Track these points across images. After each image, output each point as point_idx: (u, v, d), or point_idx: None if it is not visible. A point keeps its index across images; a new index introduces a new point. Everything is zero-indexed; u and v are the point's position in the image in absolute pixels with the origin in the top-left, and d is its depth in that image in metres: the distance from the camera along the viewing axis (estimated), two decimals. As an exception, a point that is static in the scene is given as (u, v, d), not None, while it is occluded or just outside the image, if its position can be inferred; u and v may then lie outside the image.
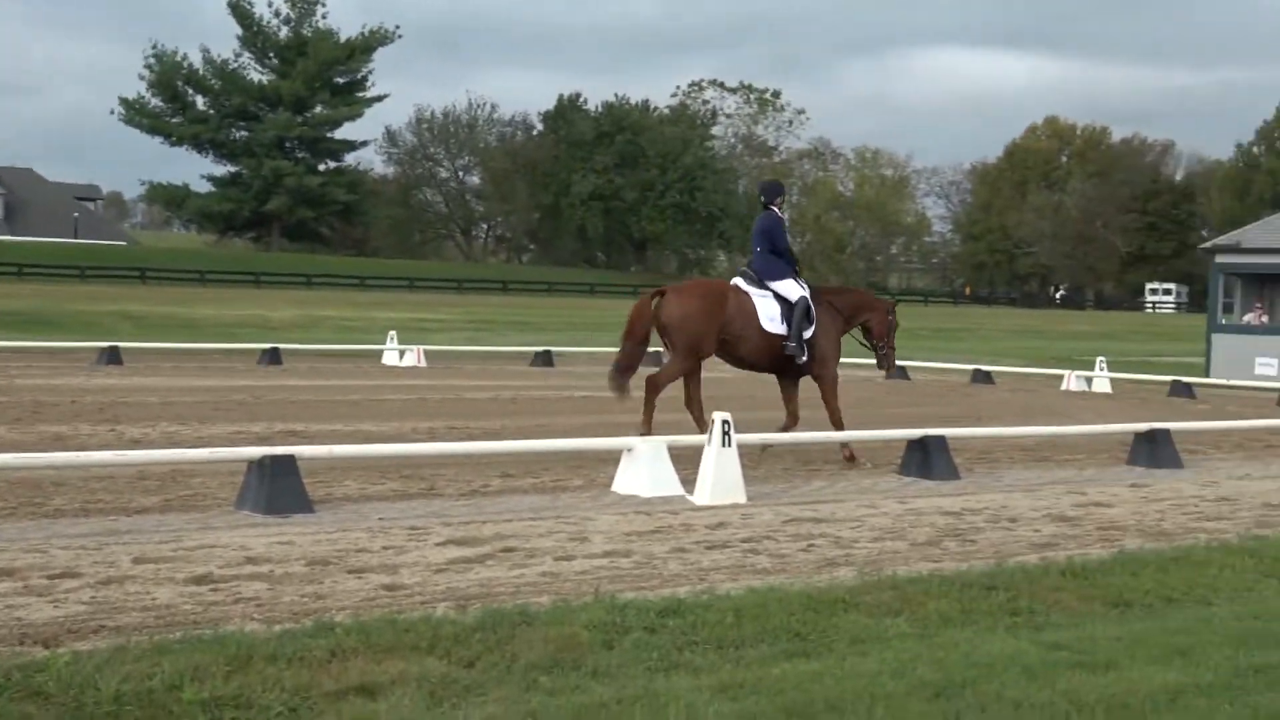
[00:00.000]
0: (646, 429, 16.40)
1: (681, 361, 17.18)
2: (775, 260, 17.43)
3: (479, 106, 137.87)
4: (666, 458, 13.59)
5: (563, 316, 69.48)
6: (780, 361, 17.38)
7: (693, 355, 17.17)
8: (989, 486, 14.95)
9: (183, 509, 11.92)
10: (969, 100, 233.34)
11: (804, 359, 17.19)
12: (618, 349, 17.65)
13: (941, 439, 15.62)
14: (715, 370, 33.85)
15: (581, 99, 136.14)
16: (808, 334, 17.20)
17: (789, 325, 17.12)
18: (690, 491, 13.33)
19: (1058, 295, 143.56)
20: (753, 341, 17.17)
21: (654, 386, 17.06)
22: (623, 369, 17.37)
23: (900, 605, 8.82)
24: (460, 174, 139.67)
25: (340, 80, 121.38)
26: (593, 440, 15.59)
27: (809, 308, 17.28)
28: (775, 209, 17.73)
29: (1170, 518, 13.16)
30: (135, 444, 16.05)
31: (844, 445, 16.97)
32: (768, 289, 17.26)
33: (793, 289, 17.31)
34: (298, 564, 9.65)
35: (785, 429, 17.20)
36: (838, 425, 17.17)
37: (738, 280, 17.50)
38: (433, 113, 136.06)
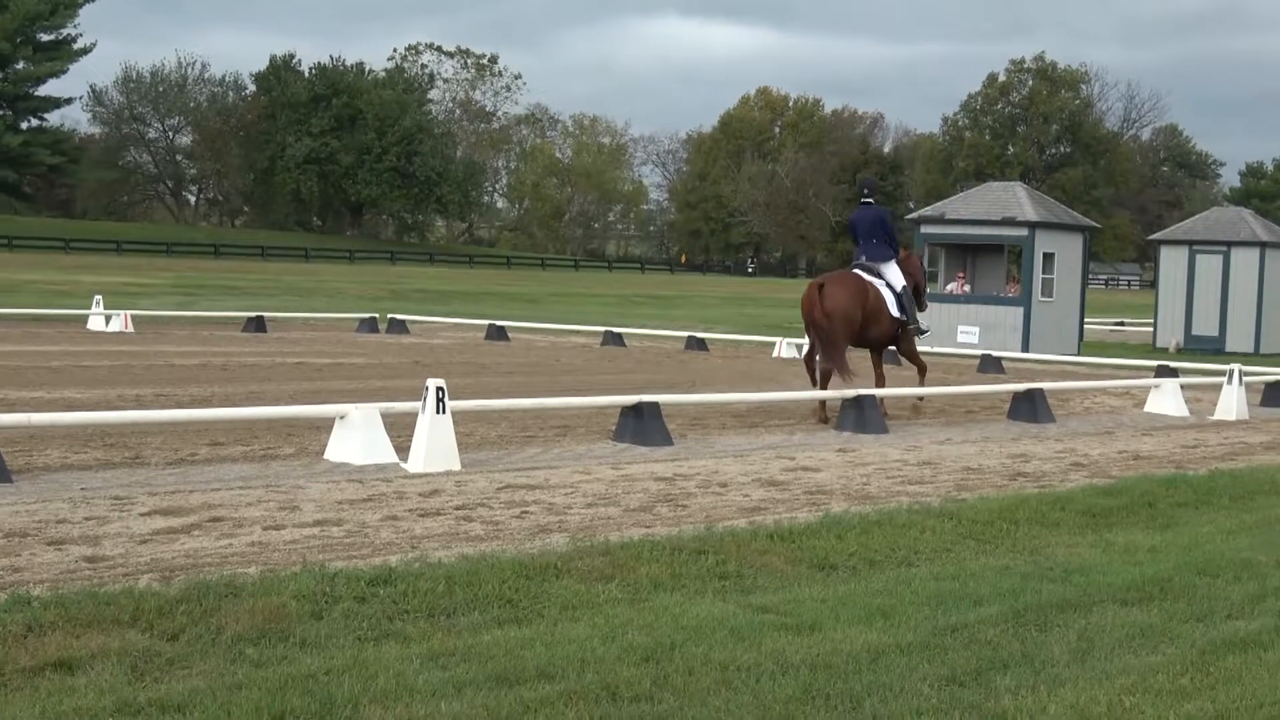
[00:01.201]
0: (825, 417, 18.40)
1: (843, 344, 19.09)
2: (884, 248, 19.66)
3: (189, 65, 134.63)
4: (380, 425, 13.46)
5: (277, 281, 68.35)
6: (891, 339, 19.96)
7: (849, 338, 19.22)
8: (701, 452, 15.14)
9: None
10: (685, 70, 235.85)
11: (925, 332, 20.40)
12: (806, 342, 20.25)
13: (655, 405, 15.76)
14: (431, 338, 33.65)
15: (295, 60, 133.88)
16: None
17: (903, 310, 19.62)
18: (404, 459, 13.23)
19: (750, 266, 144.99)
20: (883, 326, 19.55)
21: (826, 374, 19.11)
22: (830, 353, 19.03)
23: (612, 570, 8.88)
24: (170, 134, 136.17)
25: (44, 36, 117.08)
26: (304, 407, 15.37)
27: (909, 291, 19.85)
28: (874, 202, 20.11)
29: (875, 482, 13.49)
30: None
31: (920, 399, 20.06)
32: (881, 278, 19.57)
33: (896, 276, 19.68)
34: (-7, 536, 9.32)
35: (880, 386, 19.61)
36: (923, 378, 20.51)
37: (859, 272, 19.57)
38: (139, 71, 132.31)
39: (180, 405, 17.31)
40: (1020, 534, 10.84)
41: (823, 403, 18.56)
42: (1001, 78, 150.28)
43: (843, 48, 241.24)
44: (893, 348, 20.70)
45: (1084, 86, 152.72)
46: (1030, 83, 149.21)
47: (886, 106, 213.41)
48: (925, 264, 36.39)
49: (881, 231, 19.73)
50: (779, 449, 15.67)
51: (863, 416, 17.50)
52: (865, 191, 20.38)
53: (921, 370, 20.64)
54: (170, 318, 39.13)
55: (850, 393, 18.05)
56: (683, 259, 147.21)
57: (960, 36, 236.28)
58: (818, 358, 19.32)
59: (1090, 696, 6.75)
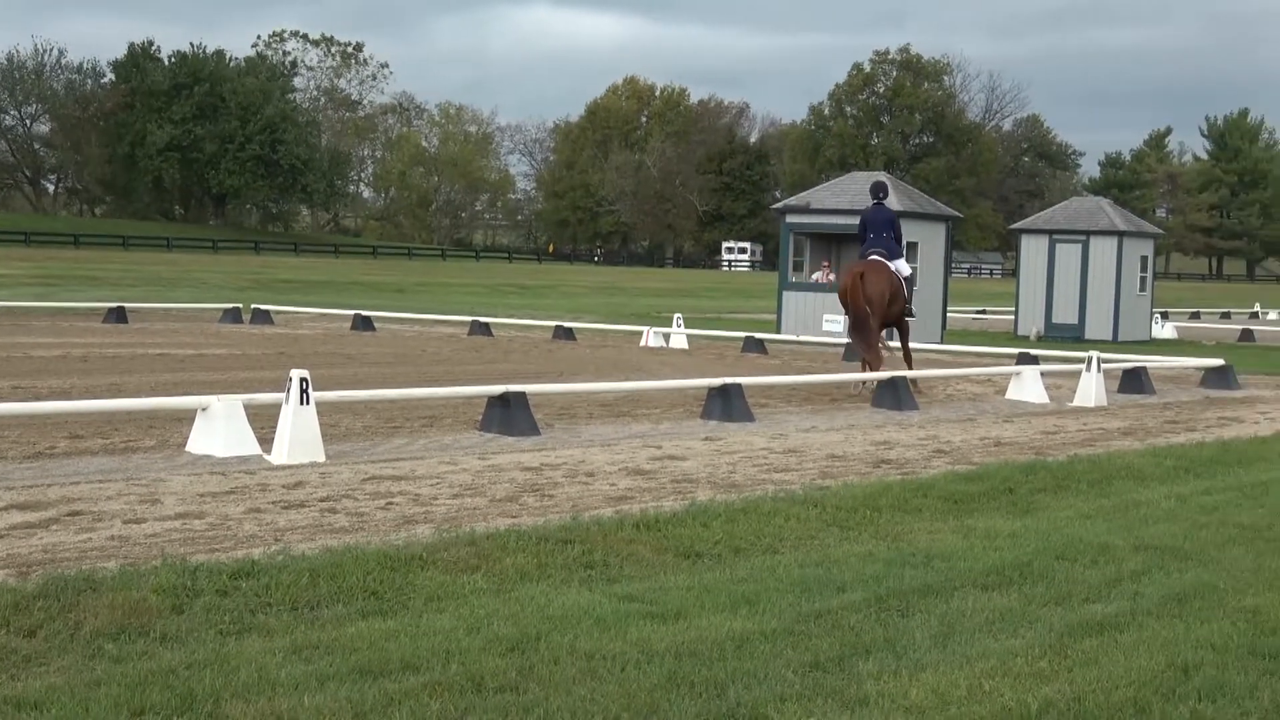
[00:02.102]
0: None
1: (879, 327, 22.10)
2: (893, 244, 22.48)
3: (45, 52, 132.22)
4: (243, 416, 13.31)
5: (139, 271, 67.37)
6: (896, 322, 22.84)
7: (882, 321, 22.18)
8: (568, 442, 15.14)
9: None
10: (556, 58, 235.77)
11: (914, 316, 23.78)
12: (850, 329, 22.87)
13: (522, 395, 15.74)
14: (296, 328, 33.33)
15: (155, 47, 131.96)
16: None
17: (908, 299, 22.71)
18: (268, 451, 13.10)
19: (597, 256, 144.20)
20: (897, 308, 22.33)
21: (872, 346, 21.90)
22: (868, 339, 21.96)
23: (478, 561, 8.86)
24: (28, 122, 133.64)
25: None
26: (166, 399, 15.17)
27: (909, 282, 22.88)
28: (886, 204, 23.17)
29: (741, 470, 13.56)
30: None
31: (914, 382, 21.36)
32: (893, 266, 22.39)
33: (904, 267, 22.81)
34: None
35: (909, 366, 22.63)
36: (910, 365, 22.79)
37: (881, 260, 22.21)
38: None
39: (38, 397, 17.00)
40: (883, 520, 10.94)
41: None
42: (866, 68, 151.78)
43: (715, 38, 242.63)
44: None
45: (947, 78, 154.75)
46: (894, 74, 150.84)
47: (757, 96, 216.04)
48: (791, 252, 36.69)
49: (891, 230, 22.59)
50: (646, 438, 15.71)
51: (729, 405, 17.58)
52: (881, 195, 23.24)
53: (908, 356, 23.12)
54: (28, 308, 38.43)
55: (717, 381, 18.13)
56: (550, 248, 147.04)
57: (834, 27, 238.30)
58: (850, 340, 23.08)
59: (951, 680, 6.84)
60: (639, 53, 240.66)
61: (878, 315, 21.79)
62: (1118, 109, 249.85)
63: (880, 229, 22.52)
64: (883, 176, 37.18)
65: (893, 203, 27.24)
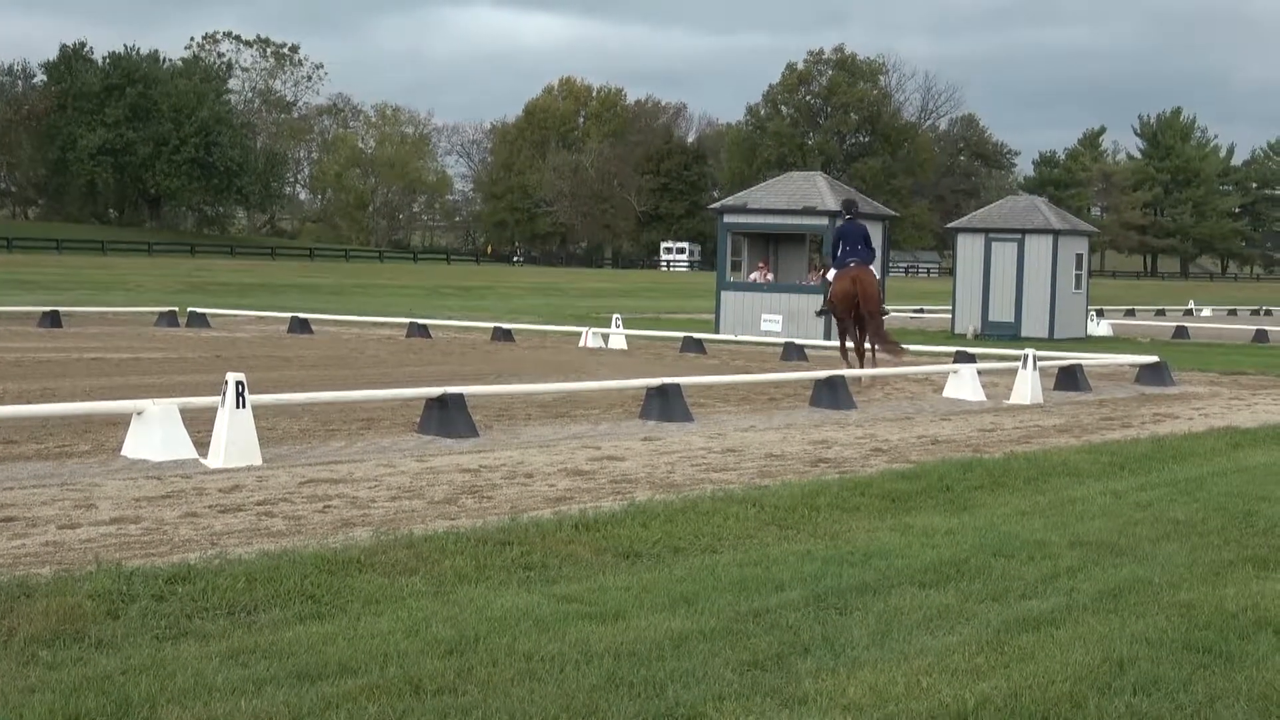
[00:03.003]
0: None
1: (879, 319, 24.74)
2: (867, 253, 24.92)
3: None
4: (179, 420, 13.22)
5: (73, 275, 66.82)
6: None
7: (879, 314, 24.72)
8: (507, 443, 15.11)
9: None
10: (496, 59, 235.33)
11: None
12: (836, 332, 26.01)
13: (460, 397, 15.70)
14: (233, 331, 33.17)
15: (87, 48, 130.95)
16: None
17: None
18: (204, 455, 13.03)
19: (517, 259, 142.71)
20: (876, 303, 24.61)
21: (884, 338, 24.76)
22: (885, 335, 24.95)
23: (416, 564, 8.84)
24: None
25: None
26: (100, 403, 15.04)
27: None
28: (856, 218, 25.44)
29: (680, 469, 13.58)
30: None
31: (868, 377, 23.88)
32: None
33: (876, 272, 25.64)
34: None
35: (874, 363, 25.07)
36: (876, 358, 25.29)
37: (861, 265, 24.73)
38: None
39: (-30, 403, 16.84)
40: (821, 519, 10.98)
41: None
42: (800, 68, 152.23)
43: (656, 38, 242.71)
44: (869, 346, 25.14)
45: (882, 78, 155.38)
46: (830, 73, 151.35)
47: (697, 97, 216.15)
48: (729, 252, 36.78)
49: (865, 240, 24.96)
50: (585, 438, 15.71)
51: (668, 405, 17.59)
52: (853, 210, 25.75)
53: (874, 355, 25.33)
54: (-40, 313, 38.06)
55: (655, 381, 18.15)
56: (488, 250, 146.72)
57: (775, 27, 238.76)
58: (849, 339, 25.08)
59: (889, 677, 6.87)
60: (581, 53, 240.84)
61: (877, 310, 24.57)
62: (1052, 108, 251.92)
63: (855, 241, 24.90)
64: (821, 177, 37.35)
65: (858, 209, 28.21)
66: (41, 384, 19.57)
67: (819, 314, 27.73)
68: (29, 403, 16.35)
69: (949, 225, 47.06)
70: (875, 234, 36.27)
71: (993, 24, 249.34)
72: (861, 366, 24.54)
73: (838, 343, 25.71)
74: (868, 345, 24.97)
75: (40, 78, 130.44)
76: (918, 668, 7.06)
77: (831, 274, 25.35)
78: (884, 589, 8.71)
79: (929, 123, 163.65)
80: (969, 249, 41.22)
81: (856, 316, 24.48)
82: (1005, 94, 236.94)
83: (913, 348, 29.87)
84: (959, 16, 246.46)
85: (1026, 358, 21.79)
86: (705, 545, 9.88)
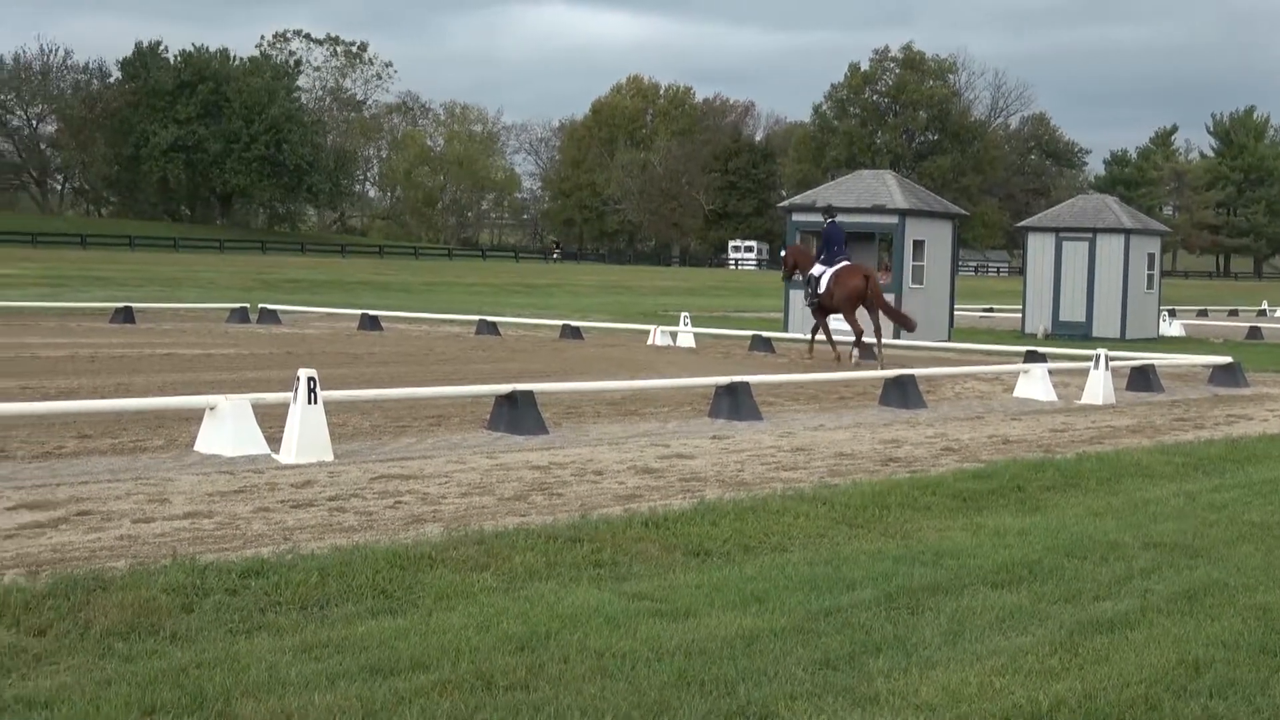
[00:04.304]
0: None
1: (886, 304, 28.06)
2: (847, 252, 28.72)
3: (51, 52, 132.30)
4: (251, 416, 13.32)
5: (145, 272, 67.39)
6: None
7: (884, 303, 27.96)
8: (576, 440, 15.13)
9: None
10: (568, 58, 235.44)
11: None
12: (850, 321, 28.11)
13: (530, 394, 15.74)
14: (304, 328, 33.37)
15: (161, 47, 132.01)
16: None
17: None
18: (276, 450, 13.11)
19: (555, 255, 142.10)
20: (882, 296, 28.09)
21: (898, 312, 28.51)
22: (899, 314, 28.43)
23: (487, 560, 8.86)
24: (34, 123, 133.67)
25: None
26: (174, 399, 15.18)
27: None
28: (837, 221, 28.92)
29: (749, 468, 13.55)
30: None
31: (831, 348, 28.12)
32: None
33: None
34: None
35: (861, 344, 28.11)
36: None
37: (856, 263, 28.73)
38: (0, 59, 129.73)
39: (46, 397, 17.01)
40: (892, 518, 10.94)
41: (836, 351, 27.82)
42: (864, 67, 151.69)
43: (726, 36, 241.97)
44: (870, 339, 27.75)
45: (951, 76, 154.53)
46: (897, 71, 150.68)
47: (765, 94, 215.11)
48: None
49: (844, 242, 28.62)
50: (654, 436, 15.71)
51: (737, 404, 17.57)
52: (834, 214, 29.14)
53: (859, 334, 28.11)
54: (36, 309, 38.46)
55: (725, 380, 18.13)
56: (555, 248, 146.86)
57: (845, 24, 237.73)
58: (856, 326, 27.87)
59: (961, 678, 6.84)
60: (651, 51, 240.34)
61: (881, 304, 27.57)
62: (1124, 107, 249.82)
63: (840, 242, 28.55)
64: (891, 176, 37.24)
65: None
66: (115, 379, 19.74)
67: (808, 305, 28.89)
68: (104, 398, 16.50)
69: (1019, 224, 46.77)
70: (944, 232, 36.31)
71: (1063, 21, 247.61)
72: (876, 355, 27.17)
73: (872, 339, 27.65)
74: (870, 338, 27.68)
75: (115, 76, 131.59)
76: (990, 668, 7.02)
77: (818, 269, 28.24)
78: (956, 589, 8.67)
79: (999, 121, 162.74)
80: (1040, 248, 40.94)
81: (869, 307, 27.37)
82: (1076, 92, 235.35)
83: (982, 347, 29.73)
84: (1028, 13, 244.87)
85: (1098, 358, 21.63)
86: (775, 544, 9.86)
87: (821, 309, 28.24)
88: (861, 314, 27.83)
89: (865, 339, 27.92)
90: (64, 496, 10.64)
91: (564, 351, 29.11)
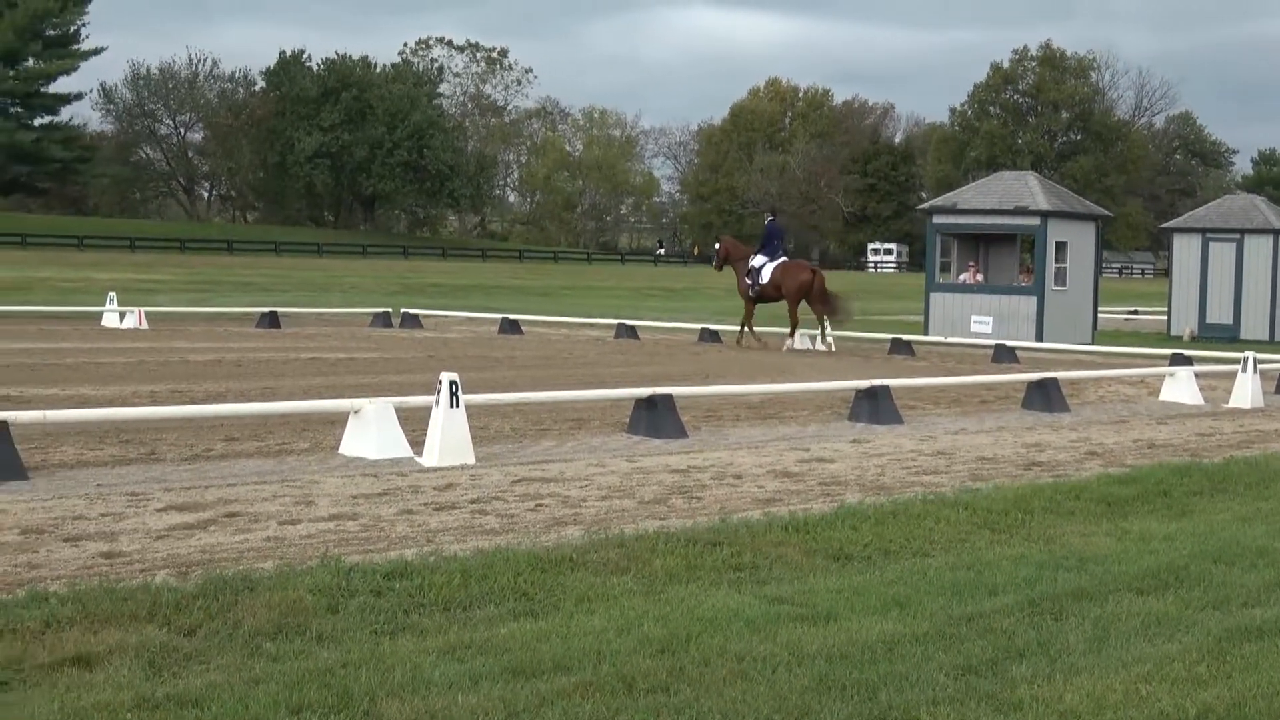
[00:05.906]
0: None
1: (829, 294, 31.08)
2: (784, 248, 32.71)
3: (199, 62, 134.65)
4: (394, 419, 13.48)
5: (290, 277, 68.43)
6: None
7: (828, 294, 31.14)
8: (715, 444, 15.14)
9: (-113, 478, 11.43)
10: (710, 60, 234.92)
11: None
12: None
13: (669, 397, 15.77)
14: (445, 332, 33.64)
15: (305, 55, 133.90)
16: None
17: None
18: (419, 453, 13.25)
19: (660, 250, 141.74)
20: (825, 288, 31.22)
21: (835, 301, 31.16)
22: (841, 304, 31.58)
23: (627, 563, 8.90)
24: (182, 131, 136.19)
25: (52, 32, 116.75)
26: (319, 402, 15.39)
27: None
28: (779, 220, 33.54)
29: (889, 472, 13.48)
30: None
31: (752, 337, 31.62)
32: None
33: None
34: (11, 533, 9.35)
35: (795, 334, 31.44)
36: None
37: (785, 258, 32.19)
38: (149, 68, 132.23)
39: (195, 401, 17.35)
40: (1035, 523, 10.83)
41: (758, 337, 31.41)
42: (1005, 66, 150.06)
43: (869, 35, 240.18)
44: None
45: (1094, 74, 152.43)
46: (1037, 70, 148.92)
47: (904, 95, 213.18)
48: (938, 253, 36.45)
49: (783, 238, 32.65)
50: (793, 440, 15.67)
51: (877, 407, 17.49)
52: (775, 213, 34.56)
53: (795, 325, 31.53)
54: (184, 314, 39.21)
55: (864, 384, 18.05)
56: (695, 250, 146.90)
57: (989, 22, 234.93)
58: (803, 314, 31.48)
59: (1106, 685, 6.76)
60: (790, 53, 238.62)
61: (828, 299, 30.95)
62: (1273, 104, 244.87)
63: (781, 238, 32.77)
64: (1034, 177, 36.85)
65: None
66: (261, 383, 20.07)
67: (749, 295, 31.74)
68: (250, 401, 16.78)
69: (1164, 225, 46.09)
70: (1087, 234, 35.87)
71: (1214, 16, 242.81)
72: (825, 342, 30.85)
73: (815, 330, 31.04)
74: (812, 331, 31.02)
75: (260, 84, 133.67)
76: (1136, 675, 6.93)
77: (759, 260, 31.44)
78: (1100, 595, 8.57)
79: (1143, 120, 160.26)
80: (1185, 249, 40.33)
81: (810, 299, 30.59)
82: (1223, 90, 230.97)
83: (1127, 350, 29.33)
84: (1182, 7, 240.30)
85: (1246, 360, 21.25)
86: (917, 548, 9.80)
87: (762, 298, 31.66)
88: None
89: (805, 331, 31.25)
90: (212, 498, 10.84)
91: (702, 355, 29.13)
